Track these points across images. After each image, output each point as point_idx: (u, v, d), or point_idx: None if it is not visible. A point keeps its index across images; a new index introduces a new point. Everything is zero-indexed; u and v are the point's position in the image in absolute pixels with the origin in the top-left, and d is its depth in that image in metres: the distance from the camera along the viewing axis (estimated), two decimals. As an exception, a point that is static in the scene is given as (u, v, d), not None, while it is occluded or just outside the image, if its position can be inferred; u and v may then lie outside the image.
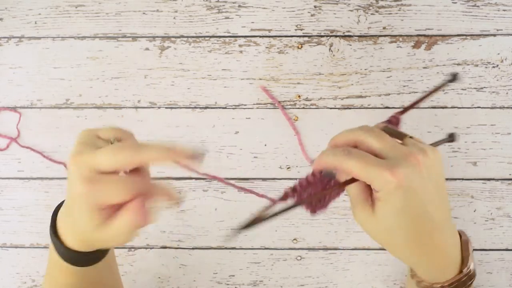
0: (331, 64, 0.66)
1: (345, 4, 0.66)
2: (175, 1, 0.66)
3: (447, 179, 0.65)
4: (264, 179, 0.65)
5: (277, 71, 0.66)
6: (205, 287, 0.66)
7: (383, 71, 0.65)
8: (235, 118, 0.66)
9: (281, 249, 0.66)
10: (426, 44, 0.65)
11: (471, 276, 0.41)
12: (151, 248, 0.66)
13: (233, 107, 0.66)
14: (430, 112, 0.65)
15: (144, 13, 0.66)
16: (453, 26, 0.65)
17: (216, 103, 0.66)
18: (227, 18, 0.66)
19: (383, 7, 0.65)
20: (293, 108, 0.65)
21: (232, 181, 0.65)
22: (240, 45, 0.66)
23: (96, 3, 0.66)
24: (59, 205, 0.43)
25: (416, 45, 0.65)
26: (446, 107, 0.65)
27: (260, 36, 0.66)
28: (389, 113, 0.65)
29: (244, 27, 0.66)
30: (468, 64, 0.65)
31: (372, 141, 0.38)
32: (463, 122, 0.65)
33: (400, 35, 0.65)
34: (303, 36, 0.66)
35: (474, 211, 0.65)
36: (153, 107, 0.66)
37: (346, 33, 0.66)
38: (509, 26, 0.65)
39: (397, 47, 0.65)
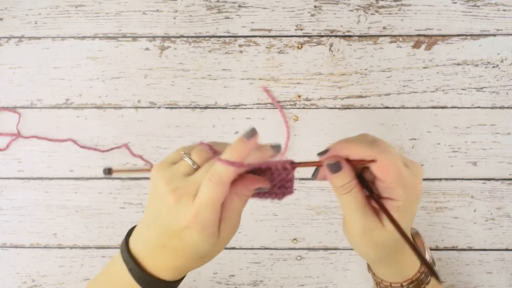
0: (331, 64, 0.66)
1: (345, 4, 0.66)
2: (175, 1, 0.66)
3: (447, 179, 0.65)
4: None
5: (277, 71, 0.66)
6: (205, 287, 0.66)
7: (383, 71, 0.65)
8: (235, 118, 0.66)
9: (281, 249, 0.66)
10: (426, 44, 0.65)
11: (430, 265, 0.44)
12: (151, 248, 0.66)
13: (233, 107, 0.66)
14: (430, 112, 0.65)
15: (144, 13, 0.66)
16: (453, 26, 0.65)
17: (216, 103, 0.66)
18: (227, 18, 0.66)
19: (383, 7, 0.65)
20: (293, 108, 0.65)
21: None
22: (240, 45, 0.66)
23: (96, 3, 0.66)
24: (126, 245, 0.42)
25: (416, 45, 0.65)
26: (446, 107, 0.65)
27: (260, 36, 0.66)
28: (389, 113, 0.65)
29: (244, 27, 0.66)
30: (468, 64, 0.65)
31: (392, 158, 0.39)
32: (463, 122, 0.65)
33: (400, 35, 0.65)
34: (303, 36, 0.66)
35: (474, 211, 0.65)
36: (153, 107, 0.66)
37: (346, 33, 0.66)
38: (509, 26, 0.65)
39: (397, 47, 0.65)
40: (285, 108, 0.66)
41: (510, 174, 0.65)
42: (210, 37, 0.66)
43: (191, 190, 0.37)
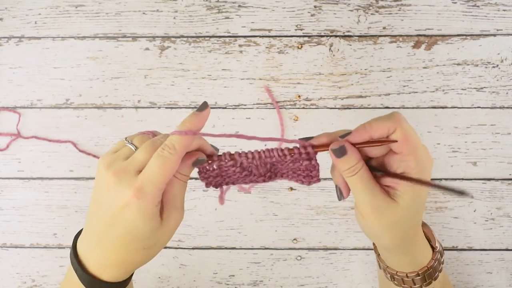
0: (331, 64, 0.66)
1: (345, 4, 0.65)
2: (175, 1, 0.66)
3: (447, 179, 0.65)
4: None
5: (277, 71, 0.66)
6: (205, 287, 0.66)
7: (383, 71, 0.65)
8: (235, 118, 0.66)
9: (281, 249, 0.66)
10: (426, 44, 0.65)
11: (441, 253, 0.45)
12: (151, 248, 0.66)
13: (233, 107, 0.66)
14: (430, 112, 0.65)
15: (144, 13, 0.66)
16: (453, 26, 0.65)
17: (216, 103, 0.66)
18: (227, 18, 0.66)
19: (383, 7, 0.65)
20: (293, 108, 0.65)
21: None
22: (240, 45, 0.66)
23: (96, 3, 0.66)
24: (73, 252, 0.41)
25: (416, 45, 0.65)
26: (446, 107, 0.65)
27: (260, 36, 0.66)
28: (389, 113, 0.65)
29: (244, 27, 0.66)
30: (468, 64, 0.65)
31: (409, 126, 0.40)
32: (463, 122, 0.65)
33: (400, 35, 0.65)
34: (303, 36, 0.66)
35: (474, 211, 0.65)
36: (153, 107, 0.66)
37: (346, 33, 0.66)
38: (509, 26, 0.65)
39: (397, 47, 0.65)
40: (285, 108, 0.66)
41: (510, 174, 0.65)
42: (210, 37, 0.66)
43: (132, 167, 0.37)
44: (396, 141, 0.38)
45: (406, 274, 0.44)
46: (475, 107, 0.65)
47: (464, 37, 0.65)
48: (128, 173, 0.37)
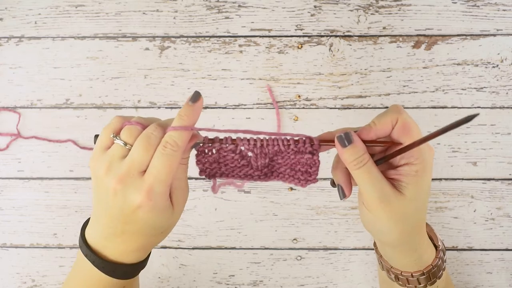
0: (331, 64, 0.66)
1: (345, 4, 0.65)
2: (175, 1, 0.66)
3: (447, 179, 0.65)
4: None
5: (277, 71, 0.66)
6: (205, 287, 0.66)
7: (383, 71, 0.65)
8: (235, 118, 0.66)
9: (281, 249, 0.66)
10: (426, 44, 0.65)
11: (444, 251, 0.46)
12: (151, 248, 0.66)
13: (233, 107, 0.66)
14: (430, 112, 0.65)
15: (144, 13, 0.66)
16: (453, 26, 0.65)
17: (216, 103, 0.66)
18: (227, 18, 0.66)
19: (383, 7, 0.65)
20: (293, 108, 0.65)
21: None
22: (240, 45, 0.66)
23: (96, 3, 0.66)
24: (83, 240, 0.42)
25: (416, 45, 0.65)
26: (446, 107, 0.65)
27: (260, 36, 0.66)
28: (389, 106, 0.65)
29: (244, 27, 0.66)
30: (468, 64, 0.65)
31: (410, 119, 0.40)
32: (463, 122, 0.65)
33: (400, 35, 0.65)
34: (303, 36, 0.66)
35: (474, 211, 0.65)
36: (153, 107, 0.66)
37: (346, 33, 0.66)
38: (509, 26, 0.65)
39: (397, 47, 0.65)
40: (285, 108, 0.66)
41: (510, 174, 0.65)
42: (210, 37, 0.66)
43: (134, 170, 0.37)
44: (402, 143, 0.38)
45: (411, 274, 0.44)
46: (475, 107, 0.65)
47: (464, 37, 0.65)
48: (133, 177, 0.37)
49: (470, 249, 0.65)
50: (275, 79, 0.66)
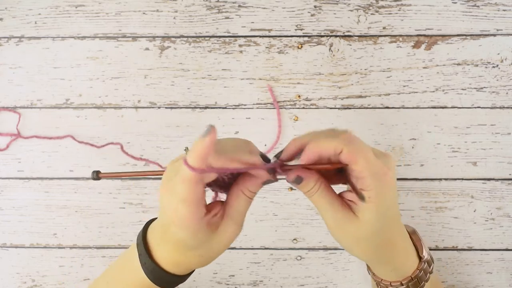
0: (331, 64, 0.66)
1: (345, 4, 0.65)
2: (175, 1, 0.66)
3: (447, 179, 0.65)
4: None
5: (277, 71, 0.66)
6: (205, 287, 0.66)
7: (383, 71, 0.65)
8: (235, 118, 0.66)
9: (281, 249, 0.66)
10: (426, 44, 0.65)
11: (429, 262, 0.44)
12: (151, 248, 0.66)
13: (233, 107, 0.66)
14: (430, 112, 0.65)
15: (144, 13, 0.66)
16: (453, 26, 0.65)
17: (216, 103, 0.66)
18: (227, 18, 0.66)
19: (383, 7, 0.65)
20: (293, 108, 0.65)
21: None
22: (240, 45, 0.66)
23: (96, 3, 0.66)
24: (144, 231, 0.42)
25: (416, 45, 0.65)
26: (446, 107, 0.65)
27: (260, 36, 0.66)
28: (389, 113, 0.65)
29: (244, 27, 0.66)
30: (468, 64, 0.65)
31: (361, 145, 0.39)
32: (463, 122, 0.65)
33: (400, 35, 0.65)
34: (303, 36, 0.66)
35: (474, 211, 0.65)
36: (153, 107, 0.66)
37: (346, 33, 0.66)
38: (509, 26, 0.65)
39: (397, 47, 0.65)
40: (285, 108, 0.66)
41: (510, 174, 0.65)
42: (210, 37, 0.66)
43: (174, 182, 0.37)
44: (347, 164, 0.37)
45: (390, 283, 0.44)
46: (475, 107, 0.65)
47: (464, 37, 0.65)
48: (172, 192, 0.37)
49: (470, 249, 0.65)
50: (275, 79, 0.66)
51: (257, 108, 0.66)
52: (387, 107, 0.65)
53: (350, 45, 0.65)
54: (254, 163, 0.37)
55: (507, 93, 0.65)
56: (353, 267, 0.65)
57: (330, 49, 0.66)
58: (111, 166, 0.65)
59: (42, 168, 0.66)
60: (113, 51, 0.66)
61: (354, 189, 0.39)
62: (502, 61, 0.65)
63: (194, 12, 0.66)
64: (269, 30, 0.66)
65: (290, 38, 0.66)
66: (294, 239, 0.65)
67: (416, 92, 0.65)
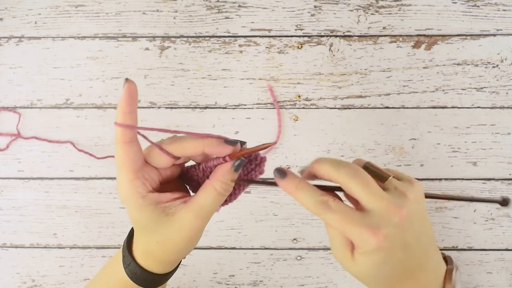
0: (331, 64, 0.66)
1: (345, 4, 0.66)
2: (175, 1, 0.66)
3: (447, 179, 0.65)
4: (264, 179, 0.65)
5: (277, 71, 0.66)
6: (205, 287, 0.66)
7: (383, 71, 0.65)
8: (235, 118, 0.66)
9: (281, 249, 0.66)
10: (426, 44, 0.65)
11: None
12: (151, 248, 0.66)
13: (233, 107, 0.66)
14: (430, 112, 0.65)
15: (144, 13, 0.66)
16: (453, 26, 0.65)
17: (216, 103, 0.66)
18: (227, 18, 0.66)
19: (383, 7, 0.65)
20: (293, 108, 0.65)
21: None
22: (240, 45, 0.66)
23: (96, 3, 0.66)
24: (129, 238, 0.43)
25: (416, 45, 0.65)
26: (446, 107, 0.65)
27: (260, 36, 0.66)
28: (389, 113, 0.65)
29: (244, 27, 0.66)
30: (468, 64, 0.65)
31: (357, 188, 0.36)
32: (463, 122, 0.65)
33: (400, 35, 0.65)
34: (303, 36, 0.66)
35: (474, 211, 0.65)
36: (153, 107, 0.66)
37: (346, 33, 0.66)
38: (509, 26, 0.65)
39: (397, 47, 0.65)
40: (285, 108, 0.66)
41: (510, 174, 0.65)
42: (210, 37, 0.66)
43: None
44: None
45: None
46: (475, 107, 0.65)
47: (464, 37, 0.65)
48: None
49: (470, 249, 0.65)
50: (275, 79, 0.66)
51: (257, 108, 0.66)
52: (387, 107, 0.65)
53: (350, 45, 0.65)
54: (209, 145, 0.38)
55: (507, 93, 0.65)
56: (353, 267, 0.65)
57: (330, 49, 0.66)
58: (112, 166, 0.65)
59: (42, 168, 0.66)
60: (113, 51, 0.66)
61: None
62: (502, 61, 0.65)
63: (194, 12, 0.66)
64: (269, 30, 0.66)
65: (290, 38, 0.66)
66: (294, 239, 0.65)
67: (416, 92, 0.65)
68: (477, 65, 0.65)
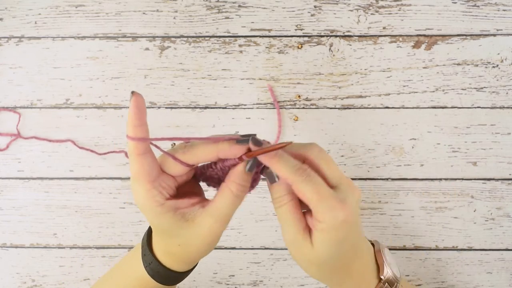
0: (331, 64, 0.66)
1: (345, 4, 0.66)
2: (175, 1, 0.66)
3: (447, 179, 0.65)
4: (264, 179, 0.65)
5: (277, 71, 0.66)
6: (205, 287, 0.66)
7: (383, 71, 0.65)
8: (235, 118, 0.66)
9: (281, 249, 0.66)
10: (426, 44, 0.65)
11: (391, 281, 0.42)
12: (151, 248, 0.66)
13: (233, 107, 0.66)
14: (430, 112, 0.65)
15: (144, 13, 0.66)
16: (453, 26, 0.65)
17: (216, 103, 0.66)
18: (227, 18, 0.66)
19: (383, 7, 0.65)
20: (293, 108, 0.65)
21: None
22: (240, 45, 0.66)
23: (96, 3, 0.66)
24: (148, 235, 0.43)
25: (416, 45, 0.65)
26: (446, 107, 0.65)
27: (260, 36, 0.66)
28: (389, 113, 0.65)
29: (244, 27, 0.66)
30: (468, 64, 0.65)
31: (324, 166, 0.37)
32: (463, 122, 0.65)
33: (400, 35, 0.65)
34: (303, 36, 0.66)
35: (474, 211, 0.65)
36: (153, 107, 0.66)
37: (346, 33, 0.66)
38: (509, 26, 0.65)
39: (397, 47, 0.65)
40: (285, 108, 0.66)
41: (510, 174, 0.65)
42: (210, 37, 0.66)
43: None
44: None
45: None
46: (475, 107, 0.65)
47: (464, 37, 0.65)
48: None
49: (470, 249, 0.65)
50: (275, 79, 0.66)
51: (257, 108, 0.66)
52: (387, 107, 0.65)
53: (350, 45, 0.65)
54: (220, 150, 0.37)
55: (507, 93, 0.65)
56: (353, 267, 0.65)
57: (330, 49, 0.66)
58: (112, 166, 0.65)
59: (42, 168, 0.66)
60: (113, 51, 0.66)
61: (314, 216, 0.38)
62: (502, 61, 0.65)
63: (194, 12, 0.66)
64: (269, 30, 0.66)
65: (290, 38, 0.66)
66: (294, 239, 0.65)
67: (416, 92, 0.65)
68: (477, 65, 0.65)
